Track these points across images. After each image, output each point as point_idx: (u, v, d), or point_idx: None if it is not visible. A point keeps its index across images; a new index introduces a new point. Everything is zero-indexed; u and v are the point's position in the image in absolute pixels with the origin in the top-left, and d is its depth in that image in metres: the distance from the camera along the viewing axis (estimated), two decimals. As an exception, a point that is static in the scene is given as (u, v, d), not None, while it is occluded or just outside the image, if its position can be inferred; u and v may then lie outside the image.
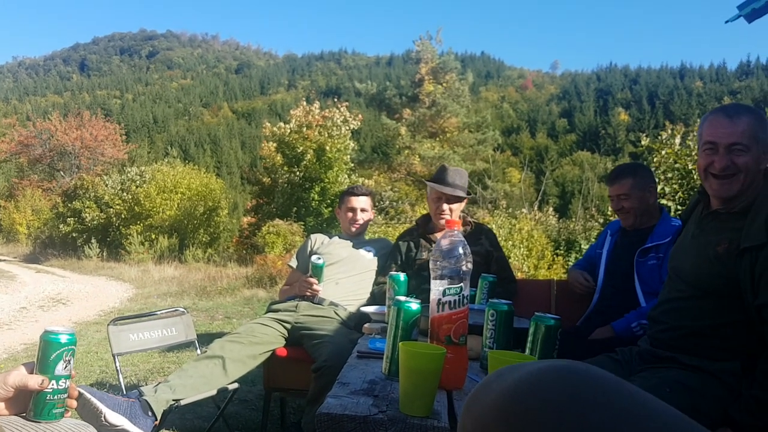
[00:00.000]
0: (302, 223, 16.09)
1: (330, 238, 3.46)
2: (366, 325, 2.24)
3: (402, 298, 1.62)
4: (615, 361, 2.11)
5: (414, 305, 1.59)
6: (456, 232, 1.59)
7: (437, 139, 23.55)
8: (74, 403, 1.41)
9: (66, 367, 1.34)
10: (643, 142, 8.40)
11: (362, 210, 3.44)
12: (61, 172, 34.69)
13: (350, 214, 3.43)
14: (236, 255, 18.15)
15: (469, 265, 1.56)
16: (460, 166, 19.06)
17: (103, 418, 2.11)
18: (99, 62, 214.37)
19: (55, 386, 1.32)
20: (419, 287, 2.80)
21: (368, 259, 3.28)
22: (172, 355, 4.95)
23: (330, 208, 17.06)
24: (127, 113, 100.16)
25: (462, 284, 1.53)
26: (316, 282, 3.02)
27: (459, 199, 3.12)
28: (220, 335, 5.16)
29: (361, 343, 2.00)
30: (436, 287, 1.55)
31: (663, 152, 7.79)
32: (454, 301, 1.54)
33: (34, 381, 1.30)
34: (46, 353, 1.33)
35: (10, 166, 44.15)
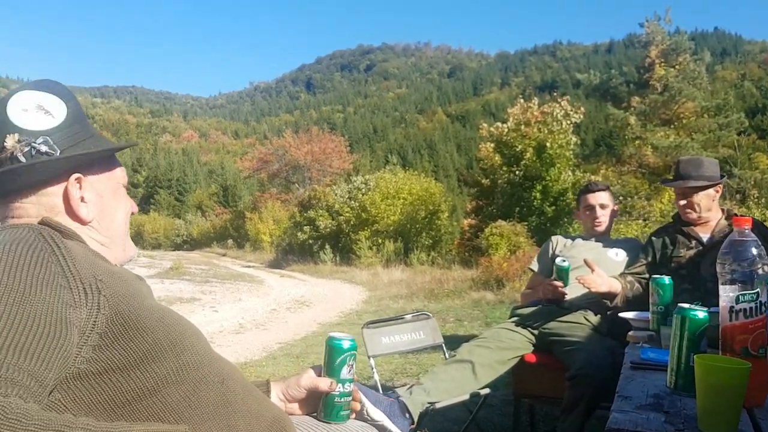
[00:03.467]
0: (525, 223, 15.80)
1: (572, 240, 3.29)
2: (631, 333, 2.09)
3: (686, 305, 1.47)
4: None
5: (701, 314, 1.44)
6: (747, 230, 1.41)
7: (672, 126, 21.65)
8: (358, 406, 1.48)
9: (350, 371, 1.40)
10: None
11: (602, 206, 3.21)
12: (296, 185, 38.04)
13: (589, 212, 3.23)
14: (459, 257, 18.37)
15: (766, 268, 1.37)
16: (700, 154, 17.35)
17: (365, 412, 2.21)
18: (322, 80, 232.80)
19: (341, 389, 1.39)
20: (678, 288, 2.55)
21: (617, 261, 3.05)
22: (413, 357, 5.12)
23: (553, 207, 16.54)
24: (350, 125, 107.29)
25: (758, 290, 1.35)
26: (562, 285, 2.88)
27: (696, 190, 2.79)
28: (453, 338, 5.24)
29: (630, 353, 1.86)
30: (726, 293, 1.38)
31: None
32: (750, 308, 1.36)
33: (324, 383, 1.38)
34: (331, 358, 1.40)
35: (252, 182, 49.72)
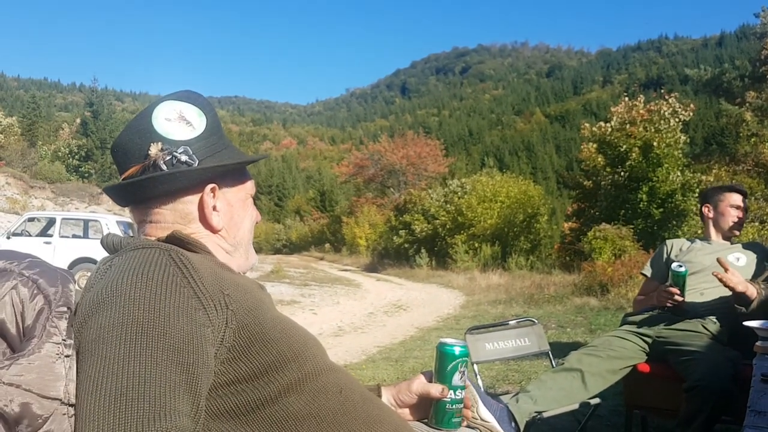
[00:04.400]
0: (631, 226, 15.15)
1: (690, 243, 3.11)
2: (758, 344, 1.94)
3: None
4: None
5: None
6: None
7: (792, 122, 20.17)
8: (470, 414, 1.46)
9: (461, 377, 1.38)
10: None
11: (743, 209, 3.03)
12: (391, 189, 38.36)
13: (734, 212, 3.02)
14: (559, 262, 17.88)
15: None
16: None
17: (475, 411, 2.18)
18: (417, 84, 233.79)
19: (453, 396, 1.37)
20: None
21: (738, 267, 2.84)
22: (514, 364, 5.02)
23: (661, 209, 15.76)
24: (445, 129, 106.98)
25: None
26: (678, 292, 2.72)
27: None
28: (556, 345, 5.09)
29: (761, 364, 1.73)
30: None
31: None
32: None
33: (435, 389, 1.36)
34: (443, 364, 1.38)
35: (349, 187, 50.60)
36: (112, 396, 0.83)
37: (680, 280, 2.67)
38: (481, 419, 2.21)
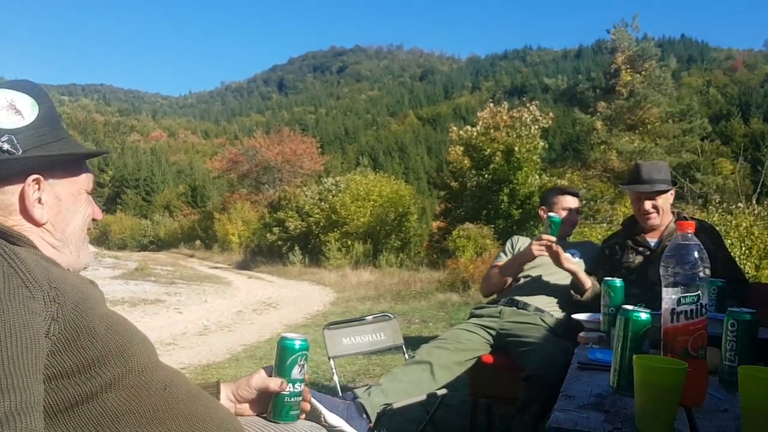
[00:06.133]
0: (492, 225, 15.95)
1: (532, 240, 3.33)
2: (581, 334, 2.12)
3: (629, 307, 1.50)
4: None
5: (643, 315, 1.47)
6: (690, 234, 1.44)
7: (637, 131, 22.09)
8: (308, 406, 1.49)
9: (301, 371, 1.41)
10: None
11: (575, 210, 3.28)
12: (266, 185, 37.76)
13: (567, 214, 3.25)
14: (427, 259, 18.48)
15: (707, 271, 1.41)
16: (663, 159, 17.72)
17: (323, 419, 2.21)
18: (295, 81, 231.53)
19: (291, 389, 1.39)
20: (628, 292, 2.60)
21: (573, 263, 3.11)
22: (376, 358, 5.14)
23: (520, 210, 16.72)
24: (321, 127, 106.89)
25: (699, 292, 1.39)
26: (553, 239, 2.87)
27: (660, 194, 2.85)
28: (418, 339, 5.27)
29: (580, 354, 1.89)
30: (669, 295, 1.41)
31: None
32: (691, 310, 1.39)
33: (275, 383, 1.38)
34: (282, 357, 1.40)
35: (222, 182, 49.28)
36: None
37: (555, 227, 2.86)
38: (330, 425, 2.26)
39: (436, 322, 7.97)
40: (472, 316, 3.10)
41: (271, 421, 1.40)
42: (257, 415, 1.43)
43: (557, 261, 2.89)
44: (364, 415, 2.41)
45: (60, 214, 1.17)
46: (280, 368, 1.40)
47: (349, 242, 21.39)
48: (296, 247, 22.95)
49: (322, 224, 23.11)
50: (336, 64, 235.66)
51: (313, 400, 2.23)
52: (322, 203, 23.84)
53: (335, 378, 2.92)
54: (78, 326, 0.98)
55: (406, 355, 3.08)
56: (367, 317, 3.17)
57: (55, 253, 1.16)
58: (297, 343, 1.41)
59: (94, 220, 1.28)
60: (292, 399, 1.40)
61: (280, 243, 24.72)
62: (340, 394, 2.66)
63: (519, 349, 2.68)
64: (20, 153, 1.09)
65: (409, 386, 2.62)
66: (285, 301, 12.00)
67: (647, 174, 2.87)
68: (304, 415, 1.47)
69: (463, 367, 2.78)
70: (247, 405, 1.42)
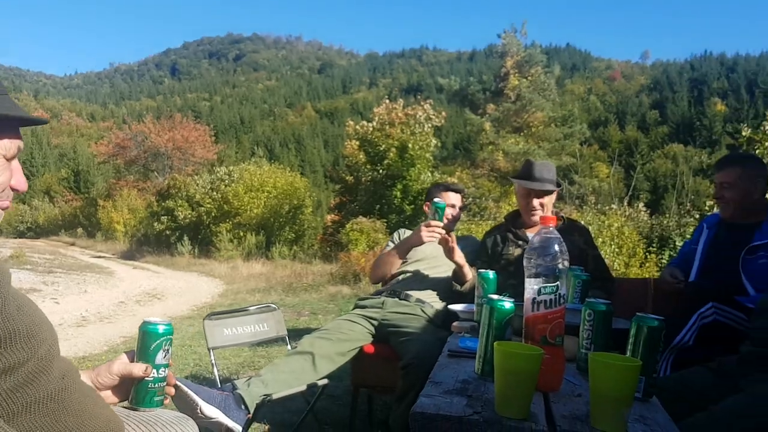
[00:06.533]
0: (385, 220, 16.18)
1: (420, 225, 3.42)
2: (455, 324, 2.20)
3: (494, 296, 1.58)
4: (713, 372, 1.98)
5: (507, 304, 1.55)
6: (551, 228, 1.54)
7: (522, 134, 23.12)
8: (173, 391, 1.45)
9: (165, 356, 1.38)
10: (743, 133, 7.86)
11: (454, 206, 3.38)
12: (155, 173, 36.33)
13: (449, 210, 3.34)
14: (320, 252, 18.47)
15: (566, 263, 1.50)
16: (545, 161, 18.66)
17: (199, 411, 2.17)
18: (189, 66, 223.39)
19: (155, 374, 1.36)
20: (505, 283, 2.73)
21: None
22: (262, 350, 5.09)
23: (412, 206, 17.05)
24: (216, 115, 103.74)
25: (558, 283, 1.48)
26: (442, 225, 2.93)
27: (548, 193, 3.03)
28: (307, 331, 5.26)
29: (451, 342, 1.97)
30: (531, 286, 1.50)
31: (767, 144, 7.28)
32: (550, 300, 1.48)
33: (138, 368, 1.34)
34: (146, 343, 1.37)
35: (108, 168, 46.84)
36: None
37: (441, 212, 2.92)
38: (207, 417, 2.22)
39: (325, 314, 7.99)
40: (356, 306, 3.14)
41: (132, 408, 1.36)
42: (117, 404, 1.39)
43: (449, 254, 2.96)
44: (243, 406, 2.39)
45: None
46: (144, 353, 1.37)
47: (242, 233, 21.02)
48: (185, 238, 22.26)
49: (213, 214, 22.58)
50: (233, 52, 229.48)
51: (190, 392, 2.19)
52: (214, 193, 23.27)
53: (215, 370, 2.86)
54: None
55: (289, 347, 3.07)
56: (249, 308, 3.13)
57: None
58: (161, 328, 1.38)
59: (14, 190, 1.19)
60: (156, 384, 1.37)
61: (168, 233, 23.88)
62: (219, 386, 2.62)
63: (399, 338, 2.74)
64: None
65: (289, 377, 2.62)
66: (171, 292, 11.63)
67: (539, 173, 3.02)
68: (168, 401, 1.44)
69: (345, 357, 2.81)
70: (109, 392, 1.38)
